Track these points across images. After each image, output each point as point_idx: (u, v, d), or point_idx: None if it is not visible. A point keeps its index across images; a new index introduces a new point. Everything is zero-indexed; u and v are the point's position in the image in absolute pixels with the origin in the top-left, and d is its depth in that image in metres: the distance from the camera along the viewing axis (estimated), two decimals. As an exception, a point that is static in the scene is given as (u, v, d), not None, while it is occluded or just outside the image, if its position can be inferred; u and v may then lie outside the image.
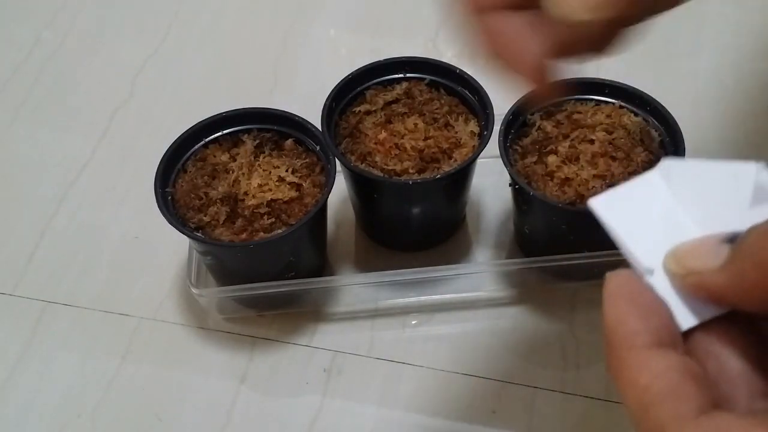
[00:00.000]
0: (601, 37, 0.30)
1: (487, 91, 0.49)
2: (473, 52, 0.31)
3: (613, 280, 0.25)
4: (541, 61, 0.30)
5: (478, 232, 0.55)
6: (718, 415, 0.22)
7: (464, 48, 0.31)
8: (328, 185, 0.47)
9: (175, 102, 0.64)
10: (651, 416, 0.23)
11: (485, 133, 0.48)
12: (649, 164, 0.48)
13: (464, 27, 0.31)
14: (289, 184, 0.48)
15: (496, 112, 0.49)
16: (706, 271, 0.24)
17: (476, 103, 0.50)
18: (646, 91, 0.50)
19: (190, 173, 0.49)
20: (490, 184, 0.56)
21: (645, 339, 0.24)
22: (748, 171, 0.26)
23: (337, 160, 0.48)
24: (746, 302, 0.23)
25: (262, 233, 0.46)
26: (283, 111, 0.50)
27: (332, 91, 0.50)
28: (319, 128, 0.49)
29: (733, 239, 0.24)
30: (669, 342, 0.24)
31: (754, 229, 0.23)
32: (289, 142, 0.50)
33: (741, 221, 0.25)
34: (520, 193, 0.49)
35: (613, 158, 0.48)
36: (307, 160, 0.49)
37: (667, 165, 0.27)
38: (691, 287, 0.24)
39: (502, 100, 0.48)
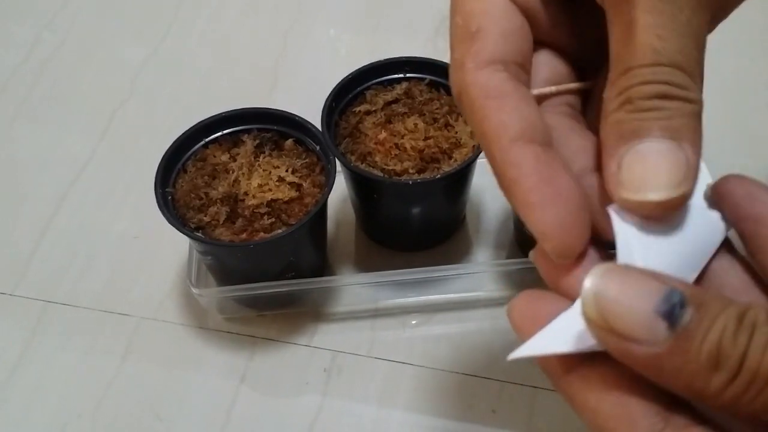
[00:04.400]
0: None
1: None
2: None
3: (515, 309, 0.26)
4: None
5: (478, 232, 0.55)
6: None
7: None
8: (328, 185, 0.47)
9: (175, 102, 0.64)
10: None
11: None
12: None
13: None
14: (289, 184, 0.48)
15: (496, 112, 0.49)
16: (641, 344, 0.22)
17: (476, 103, 0.50)
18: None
19: (190, 173, 0.49)
20: (490, 184, 0.55)
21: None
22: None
23: (337, 160, 0.48)
24: (671, 386, 0.22)
25: (262, 233, 0.46)
26: (283, 111, 0.50)
27: (332, 91, 0.50)
28: (319, 128, 0.49)
29: (670, 313, 0.21)
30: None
31: (700, 316, 0.21)
32: (289, 142, 0.50)
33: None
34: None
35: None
36: (307, 160, 0.49)
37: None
38: (613, 350, 0.22)
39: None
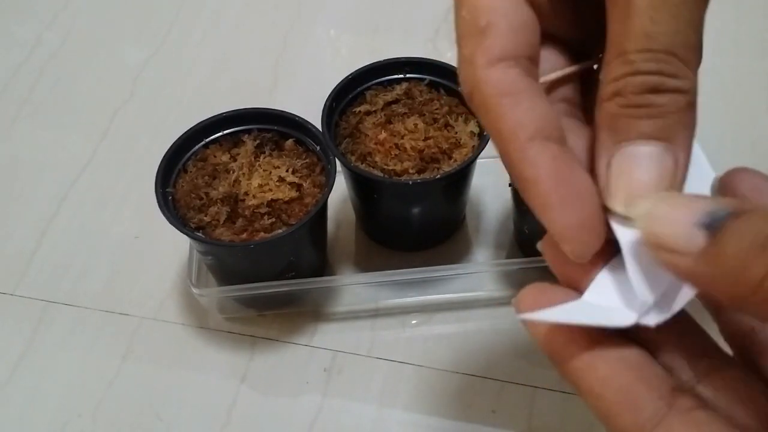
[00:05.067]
0: None
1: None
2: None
3: (523, 302, 0.26)
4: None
5: (478, 232, 0.55)
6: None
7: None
8: (328, 185, 0.47)
9: (175, 102, 0.64)
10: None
11: (485, 133, 0.48)
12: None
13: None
14: (290, 184, 0.48)
15: (495, 112, 0.49)
16: (681, 254, 0.22)
17: (476, 104, 0.50)
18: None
19: (191, 173, 0.49)
20: (490, 184, 0.56)
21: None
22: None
23: (337, 160, 0.48)
24: (712, 291, 0.22)
25: (262, 233, 0.46)
26: (283, 111, 0.50)
27: (332, 91, 0.50)
28: (319, 128, 0.49)
29: (711, 223, 0.22)
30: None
31: (735, 222, 0.21)
32: (289, 142, 0.50)
33: None
34: (519, 193, 0.49)
35: (613, 158, 0.48)
36: (307, 160, 0.49)
37: None
38: (663, 264, 0.23)
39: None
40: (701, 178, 0.26)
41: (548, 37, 0.28)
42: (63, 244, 0.56)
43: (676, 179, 0.24)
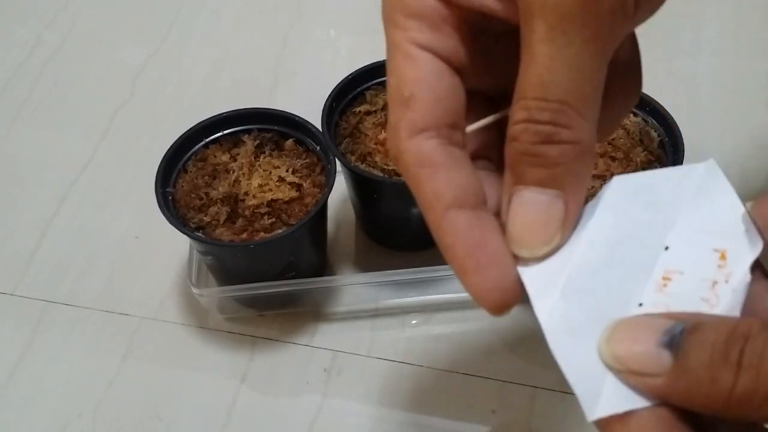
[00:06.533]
0: None
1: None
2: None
3: None
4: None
5: (478, 232, 0.55)
6: None
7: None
8: (328, 185, 0.47)
9: (175, 102, 0.64)
10: None
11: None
12: (648, 164, 0.48)
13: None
14: (290, 184, 0.48)
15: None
16: (651, 376, 0.23)
17: (476, 104, 0.50)
18: (645, 92, 0.49)
19: (191, 173, 0.49)
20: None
21: None
22: (695, 172, 0.26)
23: (337, 160, 0.48)
24: (692, 407, 0.23)
25: (262, 233, 0.46)
26: (284, 111, 0.50)
27: (332, 91, 0.50)
28: (319, 128, 0.49)
29: (671, 342, 0.23)
30: None
31: (692, 337, 0.23)
32: (289, 142, 0.50)
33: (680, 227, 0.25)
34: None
35: (613, 158, 0.48)
36: (307, 160, 0.49)
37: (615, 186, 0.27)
38: (636, 386, 0.24)
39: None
40: (729, 212, 0.26)
41: (474, 93, 0.29)
42: (63, 244, 0.56)
43: (566, 224, 0.26)
